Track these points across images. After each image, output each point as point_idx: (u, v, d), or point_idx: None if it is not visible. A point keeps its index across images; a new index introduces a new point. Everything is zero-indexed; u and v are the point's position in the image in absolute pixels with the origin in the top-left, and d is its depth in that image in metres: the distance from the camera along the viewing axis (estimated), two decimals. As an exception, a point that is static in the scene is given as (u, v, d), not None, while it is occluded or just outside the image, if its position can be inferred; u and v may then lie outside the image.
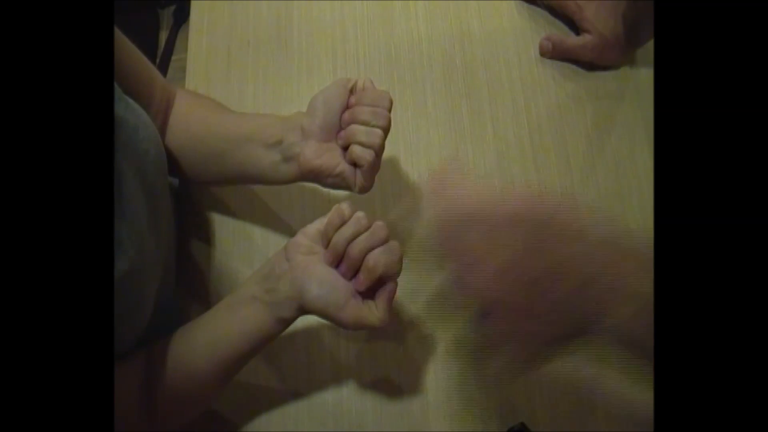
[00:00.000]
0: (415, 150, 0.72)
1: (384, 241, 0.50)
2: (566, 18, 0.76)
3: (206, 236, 0.69)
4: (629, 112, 0.74)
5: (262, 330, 0.51)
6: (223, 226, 0.69)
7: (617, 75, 0.75)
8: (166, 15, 1.63)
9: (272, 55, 0.76)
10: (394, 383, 0.63)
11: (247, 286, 0.52)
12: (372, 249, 0.49)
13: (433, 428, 0.61)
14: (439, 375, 0.63)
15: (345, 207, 0.50)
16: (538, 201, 0.51)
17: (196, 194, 0.71)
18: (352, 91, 0.56)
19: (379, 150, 0.54)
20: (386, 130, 0.55)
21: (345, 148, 0.55)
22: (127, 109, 0.49)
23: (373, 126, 0.54)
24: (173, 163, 0.60)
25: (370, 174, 0.55)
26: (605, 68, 0.75)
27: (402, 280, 0.51)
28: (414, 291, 0.66)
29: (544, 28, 0.77)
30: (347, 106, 0.56)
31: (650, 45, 0.74)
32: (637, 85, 0.75)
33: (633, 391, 0.63)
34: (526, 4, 0.78)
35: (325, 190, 0.68)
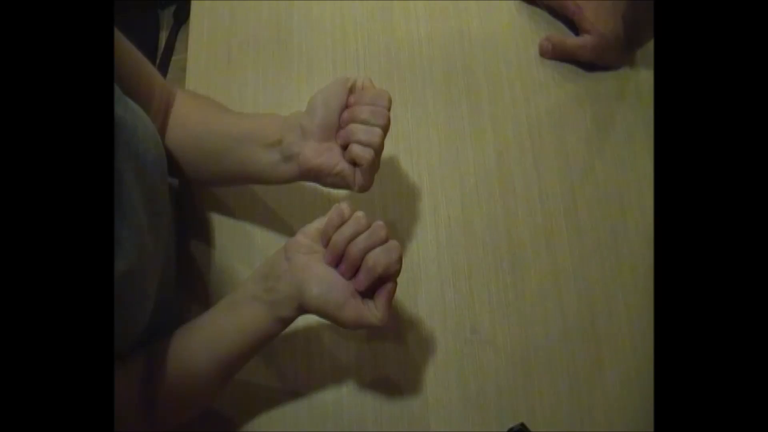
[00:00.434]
0: (415, 150, 0.72)
1: (384, 241, 0.50)
2: (566, 18, 0.76)
3: (206, 236, 0.69)
4: (629, 112, 0.74)
5: (262, 329, 0.51)
6: (223, 226, 0.69)
7: (617, 75, 0.75)
8: (166, 15, 1.63)
9: (272, 55, 0.76)
10: (394, 383, 0.63)
11: (247, 285, 0.52)
12: (372, 248, 0.49)
13: (433, 428, 0.61)
14: (439, 375, 0.63)
15: (345, 206, 0.50)
16: None
17: (196, 194, 0.71)
18: (351, 90, 0.56)
19: (378, 149, 0.54)
20: (386, 129, 0.55)
21: (344, 147, 0.55)
22: (126, 109, 0.50)
23: (372, 125, 0.54)
24: (173, 163, 0.60)
25: (369, 173, 0.55)
26: (605, 68, 0.75)
27: (402, 279, 0.51)
28: (414, 291, 0.66)
29: (544, 28, 0.77)
30: (347, 105, 0.56)
31: (650, 45, 0.74)
32: (637, 85, 0.75)
33: (633, 391, 0.63)
34: (526, 4, 0.78)
35: (325, 189, 0.68)
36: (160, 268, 0.55)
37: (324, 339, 0.64)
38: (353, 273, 0.50)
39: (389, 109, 0.55)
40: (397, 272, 0.50)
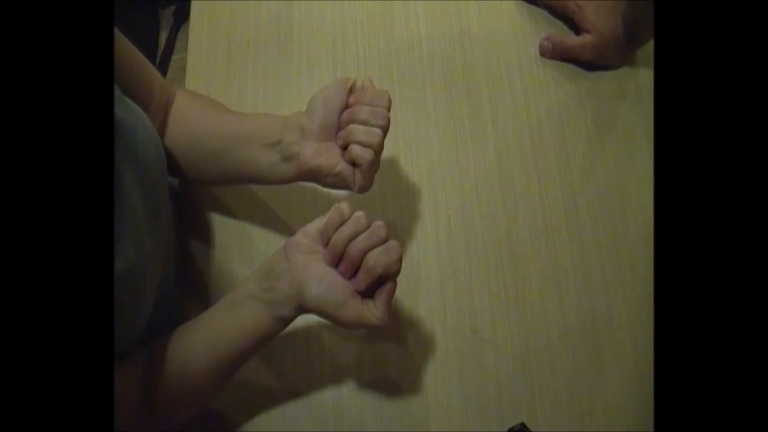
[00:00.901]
0: (415, 150, 0.72)
1: (383, 241, 0.50)
2: (566, 18, 0.76)
3: (206, 236, 0.69)
4: (629, 112, 0.74)
5: (262, 329, 0.51)
6: (223, 226, 0.69)
7: (617, 75, 0.75)
8: (166, 15, 1.63)
9: (272, 55, 0.76)
10: (394, 383, 0.63)
11: (247, 284, 0.52)
12: (371, 248, 0.49)
13: (433, 428, 0.61)
14: (439, 375, 0.63)
15: (344, 206, 0.50)
16: None
17: (196, 194, 0.71)
18: (351, 91, 0.56)
19: (378, 149, 0.54)
20: (385, 130, 0.55)
21: (344, 148, 0.55)
22: (126, 109, 0.50)
23: (372, 125, 0.54)
24: (173, 163, 0.60)
25: (369, 173, 0.55)
26: (605, 68, 0.75)
27: (402, 279, 0.51)
28: (414, 291, 0.66)
29: (544, 28, 0.77)
30: (346, 106, 0.56)
31: (650, 45, 0.73)
32: (637, 85, 0.75)
33: (633, 391, 0.63)
34: (526, 4, 0.78)
35: (325, 190, 0.68)
36: (160, 268, 0.55)
37: (324, 339, 0.64)
38: (353, 273, 0.50)
39: (389, 110, 0.55)
40: (397, 272, 0.50)
